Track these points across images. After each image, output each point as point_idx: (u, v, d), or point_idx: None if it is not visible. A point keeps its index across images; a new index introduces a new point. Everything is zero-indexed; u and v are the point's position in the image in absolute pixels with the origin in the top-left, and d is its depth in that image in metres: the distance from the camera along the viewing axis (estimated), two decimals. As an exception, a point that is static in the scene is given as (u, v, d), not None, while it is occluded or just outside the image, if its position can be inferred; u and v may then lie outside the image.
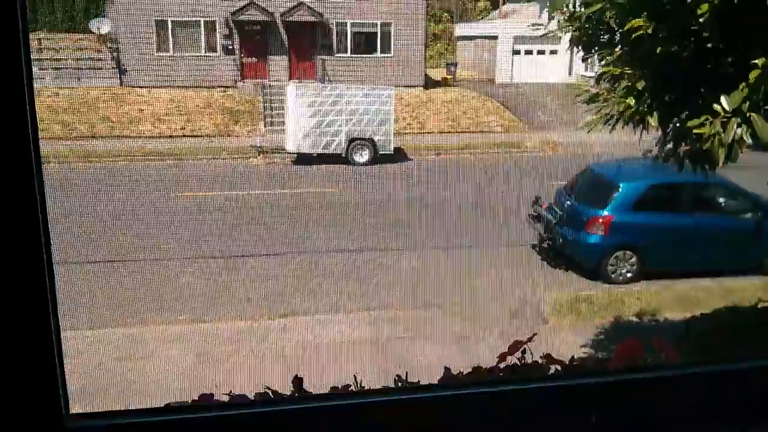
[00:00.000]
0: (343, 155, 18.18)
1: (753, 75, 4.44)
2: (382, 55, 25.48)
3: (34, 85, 1.19)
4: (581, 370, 2.01)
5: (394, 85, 21.37)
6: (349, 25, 25.24)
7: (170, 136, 20.03)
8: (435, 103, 23.98)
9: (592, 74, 8.77)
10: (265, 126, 21.52)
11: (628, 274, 10.79)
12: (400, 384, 1.88)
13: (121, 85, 22.66)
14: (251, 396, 1.71)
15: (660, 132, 5.70)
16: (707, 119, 4.70)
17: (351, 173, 17.33)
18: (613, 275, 10.77)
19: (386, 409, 1.48)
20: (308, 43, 24.93)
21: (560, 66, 27.26)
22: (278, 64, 24.86)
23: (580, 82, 24.11)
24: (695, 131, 4.79)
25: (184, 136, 20.28)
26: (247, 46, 24.55)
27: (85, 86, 21.98)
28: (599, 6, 5.59)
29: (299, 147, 18.26)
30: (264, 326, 9.10)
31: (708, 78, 5.04)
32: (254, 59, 24.68)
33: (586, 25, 5.86)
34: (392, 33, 25.38)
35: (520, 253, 11.70)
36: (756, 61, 4.44)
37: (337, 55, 25.21)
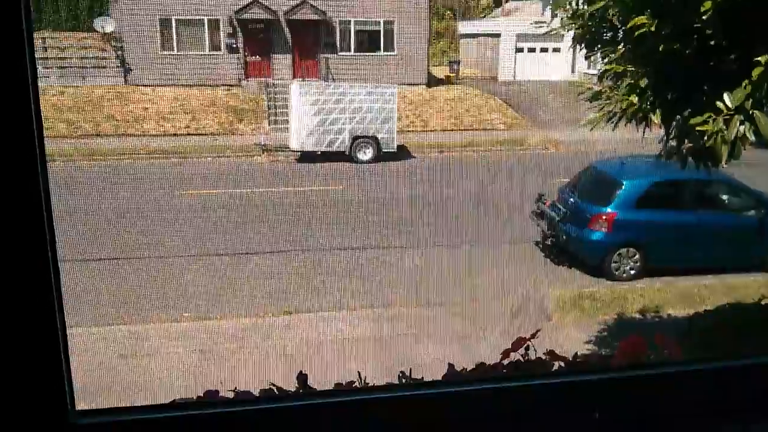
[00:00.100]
0: (347, 153, 18.18)
1: (756, 72, 4.43)
2: (386, 53, 25.45)
3: (39, 84, 1.20)
4: (584, 366, 2.01)
5: (397, 83, 21.34)
6: (352, 23, 25.22)
7: (174, 135, 20.05)
8: (438, 101, 23.95)
9: (595, 72, 8.76)
10: (269, 124, 21.53)
11: (632, 271, 10.78)
12: (403, 380, 1.88)
13: (125, 83, 22.68)
14: (256, 392, 1.72)
15: (663, 129, 5.69)
16: (710, 116, 4.69)
17: (354, 171, 17.33)
18: (616, 272, 10.76)
19: (390, 406, 1.48)
20: (312, 42, 24.92)
21: (563, 64, 27.20)
22: (282, 62, 24.86)
23: (583, 79, 24.09)
24: (698, 128, 4.78)
25: (188, 134, 20.29)
26: (251, 44, 24.55)
27: (89, 85, 22.01)
28: (602, 3, 5.58)
29: (303, 145, 18.27)
30: (268, 323, 9.11)
31: (711, 75, 5.03)
32: (258, 58, 24.69)
33: (589, 23, 5.85)
34: (395, 31, 25.35)
35: (524, 251, 11.69)
36: (759, 58, 4.43)
37: (341, 53, 25.20)
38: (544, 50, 28.06)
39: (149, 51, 23.09)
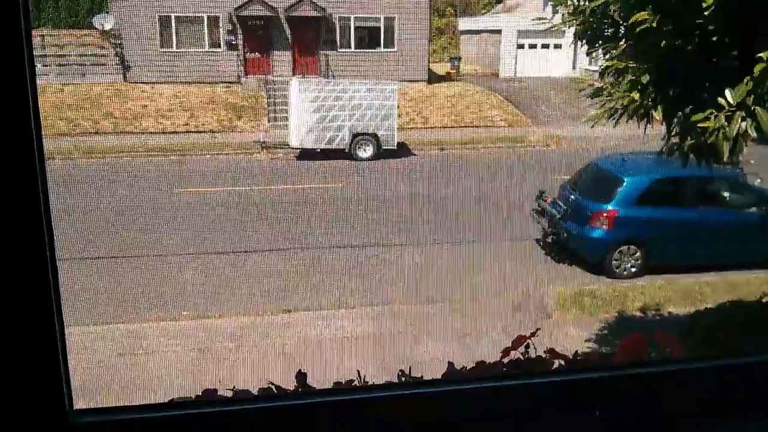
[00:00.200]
0: (347, 150, 18.18)
1: (758, 68, 4.42)
2: (386, 49, 25.43)
3: (39, 82, 1.19)
4: (585, 364, 2.01)
5: (398, 80, 21.35)
6: (352, 19, 25.20)
7: (174, 132, 20.05)
8: (438, 97, 23.94)
9: (596, 68, 8.74)
10: (268, 121, 21.52)
11: (633, 269, 10.77)
12: (403, 379, 1.88)
13: (124, 81, 22.67)
14: (254, 391, 1.71)
15: (664, 126, 5.68)
16: (712, 113, 4.68)
17: (354, 169, 17.32)
18: (617, 270, 10.75)
19: (389, 404, 1.48)
20: (311, 38, 24.90)
21: (564, 60, 27.19)
22: (281, 59, 24.84)
23: (584, 76, 24.07)
24: (700, 125, 4.77)
25: (187, 131, 20.29)
26: (251, 41, 24.53)
27: (88, 82, 22.01)
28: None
29: (303, 142, 18.26)
30: (267, 322, 9.11)
31: (712, 72, 5.02)
32: (257, 54, 24.67)
33: (591, 19, 5.84)
34: (395, 27, 25.33)
35: (524, 248, 11.69)
36: (761, 54, 4.42)
37: (341, 50, 25.18)
38: (545, 46, 28.04)
39: (148, 48, 23.08)
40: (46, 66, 21.21)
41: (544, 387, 1.58)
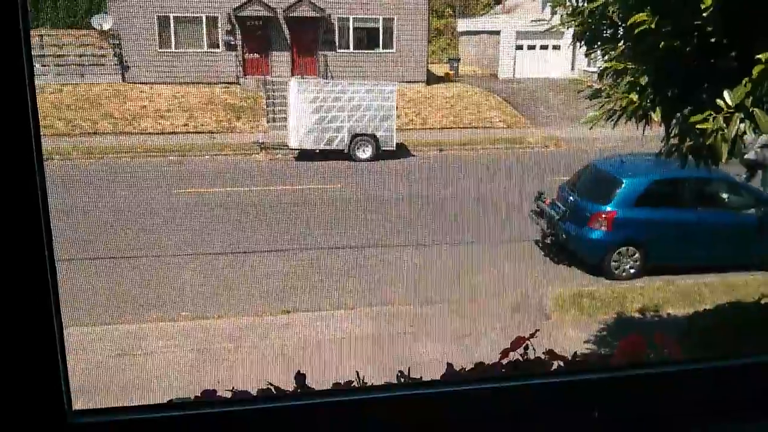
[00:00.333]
0: (346, 151, 18.19)
1: (756, 70, 4.42)
2: (385, 50, 25.46)
3: (37, 82, 1.19)
4: (584, 366, 2.01)
5: (397, 80, 21.36)
6: (351, 20, 25.21)
7: (172, 133, 20.05)
8: (437, 98, 23.96)
9: (595, 69, 8.76)
10: (267, 122, 21.52)
11: (631, 270, 10.78)
12: (402, 380, 1.88)
13: (123, 81, 22.67)
14: (253, 392, 1.71)
15: (663, 127, 5.69)
16: (710, 114, 4.68)
17: (353, 169, 17.33)
18: (616, 271, 10.76)
19: (388, 406, 1.48)
20: (310, 39, 24.91)
21: (563, 61, 27.23)
22: (280, 59, 24.85)
23: (583, 77, 24.08)
24: (698, 126, 4.77)
25: (186, 132, 20.30)
26: (249, 41, 24.54)
27: (87, 83, 22.01)
28: (602, 1, 5.57)
29: (302, 143, 18.27)
30: (266, 323, 9.11)
31: (711, 73, 5.02)
32: (256, 55, 24.68)
33: (589, 20, 5.84)
34: (394, 28, 25.35)
35: (523, 249, 11.69)
36: (759, 56, 4.42)
37: (339, 50, 25.19)
38: (544, 48, 28.08)
39: (147, 48, 23.09)
40: (44, 66, 21.21)
41: (543, 388, 1.58)
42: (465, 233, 12.16)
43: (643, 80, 5.41)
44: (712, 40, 4.79)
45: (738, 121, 4.56)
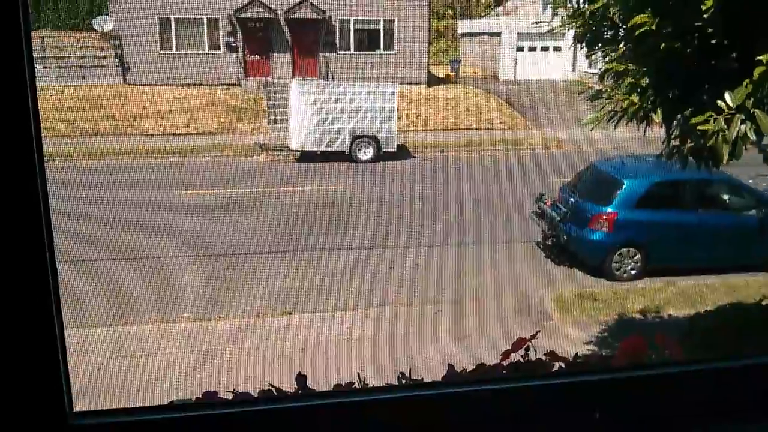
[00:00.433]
0: (347, 153, 18.18)
1: (757, 71, 4.42)
2: (385, 52, 25.46)
3: (39, 84, 1.19)
4: (585, 367, 2.01)
5: (398, 82, 21.36)
6: (352, 22, 25.22)
7: (173, 134, 20.05)
8: (438, 100, 23.96)
9: (596, 71, 8.75)
10: (268, 123, 21.53)
11: (633, 271, 10.77)
12: (403, 381, 1.88)
13: (124, 82, 22.68)
14: (255, 394, 1.71)
15: (664, 129, 5.69)
16: (711, 116, 4.68)
17: (354, 171, 17.33)
18: (617, 272, 10.75)
19: (389, 407, 1.48)
20: (311, 41, 24.92)
21: (564, 63, 27.23)
22: (281, 61, 24.86)
23: (584, 78, 24.09)
24: (699, 128, 4.77)
25: (187, 133, 20.30)
26: (251, 43, 24.55)
27: (88, 84, 22.02)
28: (603, 2, 5.58)
29: (303, 144, 18.27)
30: (267, 324, 9.11)
31: (712, 74, 5.02)
32: (257, 57, 24.69)
33: (590, 22, 5.85)
34: (395, 30, 25.36)
35: (524, 250, 11.69)
36: (760, 57, 4.42)
37: (340, 52, 25.20)
38: (544, 49, 28.08)
39: (148, 50, 23.09)
40: (46, 68, 21.23)
41: (544, 389, 1.58)
42: (466, 234, 12.16)
43: (644, 81, 5.41)
44: (713, 41, 4.79)
45: (739, 123, 4.56)
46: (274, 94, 22.18)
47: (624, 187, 11.02)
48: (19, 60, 1.11)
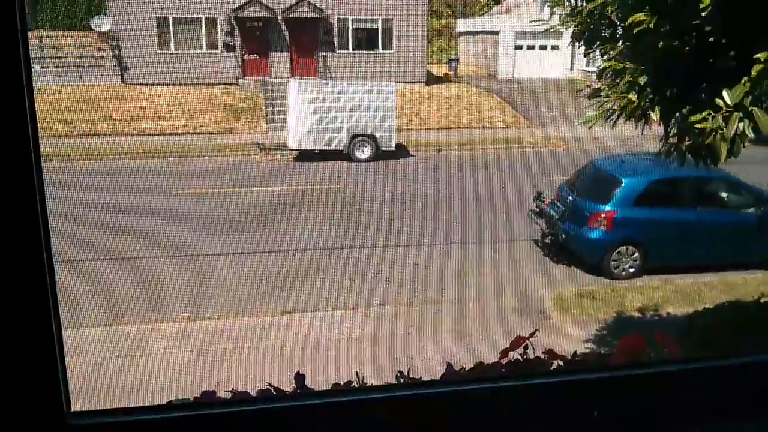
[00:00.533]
0: (345, 152, 18.18)
1: (755, 69, 4.42)
2: (384, 51, 25.46)
3: (36, 84, 1.19)
4: (583, 365, 2.01)
5: (396, 81, 21.36)
6: (350, 21, 25.22)
7: (172, 134, 20.04)
8: (436, 99, 23.96)
9: (594, 69, 8.76)
10: (266, 123, 21.52)
11: (631, 269, 10.78)
12: (401, 380, 1.88)
13: (122, 82, 22.66)
14: (253, 393, 1.71)
15: (662, 127, 5.69)
16: (709, 114, 4.68)
17: (353, 170, 17.33)
18: (615, 270, 10.76)
19: (388, 406, 1.48)
20: (309, 40, 24.91)
21: (562, 61, 27.25)
22: (279, 60, 24.85)
23: (582, 77, 24.11)
24: (697, 126, 4.77)
25: (185, 133, 20.29)
26: (249, 42, 24.54)
27: (86, 84, 21.99)
28: (601, 0, 5.57)
29: (301, 144, 18.26)
30: (265, 323, 9.10)
31: (710, 72, 5.02)
32: (255, 56, 24.68)
33: (588, 20, 5.84)
34: (393, 29, 25.36)
35: (523, 249, 11.69)
36: (758, 55, 4.42)
37: (339, 51, 25.20)
38: (543, 48, 28.10)
39: (146, 50, 23.08)
40: (43, 68, 21.20)
41: (542, 388, 1.58)
42: (465, 233, 12.16)
43: (642, 80, 5.41)
44: (711, 39, 4.79)
45: (737, 121, 4.56)
46: (273, 93, 22.17)
47: (622, 185, 11.03)
48: (16, 59, 1.11)
